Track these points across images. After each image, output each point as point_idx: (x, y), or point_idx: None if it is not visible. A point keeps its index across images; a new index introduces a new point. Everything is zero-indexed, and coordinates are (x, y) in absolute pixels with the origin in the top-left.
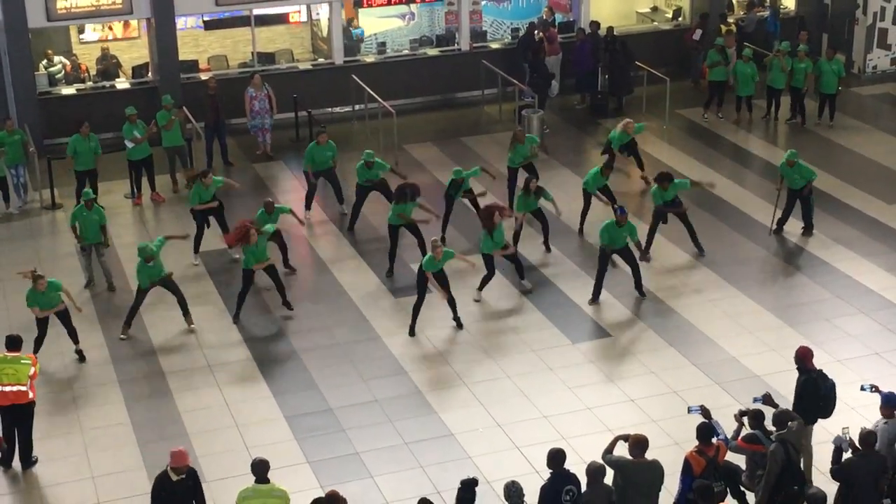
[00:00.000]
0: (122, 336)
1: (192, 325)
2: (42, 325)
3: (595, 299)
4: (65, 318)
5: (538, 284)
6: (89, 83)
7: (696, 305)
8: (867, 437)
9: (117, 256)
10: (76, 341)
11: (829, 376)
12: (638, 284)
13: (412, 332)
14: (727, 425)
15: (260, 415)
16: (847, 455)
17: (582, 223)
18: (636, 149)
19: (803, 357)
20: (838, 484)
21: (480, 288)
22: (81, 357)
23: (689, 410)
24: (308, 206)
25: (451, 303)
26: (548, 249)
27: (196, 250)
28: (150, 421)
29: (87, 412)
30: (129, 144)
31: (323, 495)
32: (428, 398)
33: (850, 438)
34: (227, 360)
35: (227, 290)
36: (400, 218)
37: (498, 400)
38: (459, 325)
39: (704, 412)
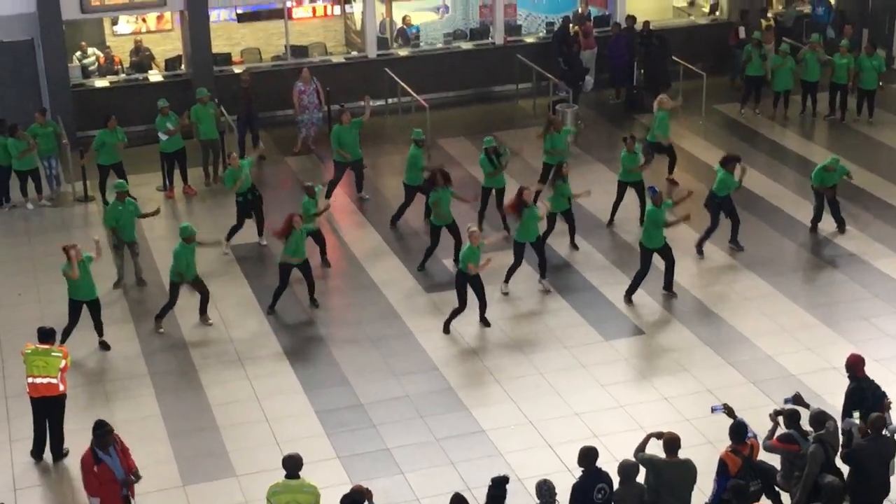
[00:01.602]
0: (159, 330)
1: (210, 321)
2: (74, 313)
3: (629, 297)
4: (95, 308)
5: (570, 280)
6: (122, 75)
7: (731, 303)
8: (876, 421)
9: (148, 249)
10: (101, 333)
11: (880, 386)
12: (669, 283)
13: (447, 330)
14: (762, 424)
15: (290, 409)
16: (857, 439)
17: (613, 216)
18: (672, 148)
19: (854, 365)
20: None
21: (507, 279)
22: (105, 346)
23: (713, 410)
24: (328, 195)
25: (483, 303)
26: (574, 248)
27: (228, 238)
28: (181, 414)
29: (118, 405)
30: (163, 137)
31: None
32: (459, 394)
33: (860, 424)
34: (258, 355)
35: (258, 282)
36: (437, 209)
37: (530, 397)
38: (486, 324)
39: (728, 411)
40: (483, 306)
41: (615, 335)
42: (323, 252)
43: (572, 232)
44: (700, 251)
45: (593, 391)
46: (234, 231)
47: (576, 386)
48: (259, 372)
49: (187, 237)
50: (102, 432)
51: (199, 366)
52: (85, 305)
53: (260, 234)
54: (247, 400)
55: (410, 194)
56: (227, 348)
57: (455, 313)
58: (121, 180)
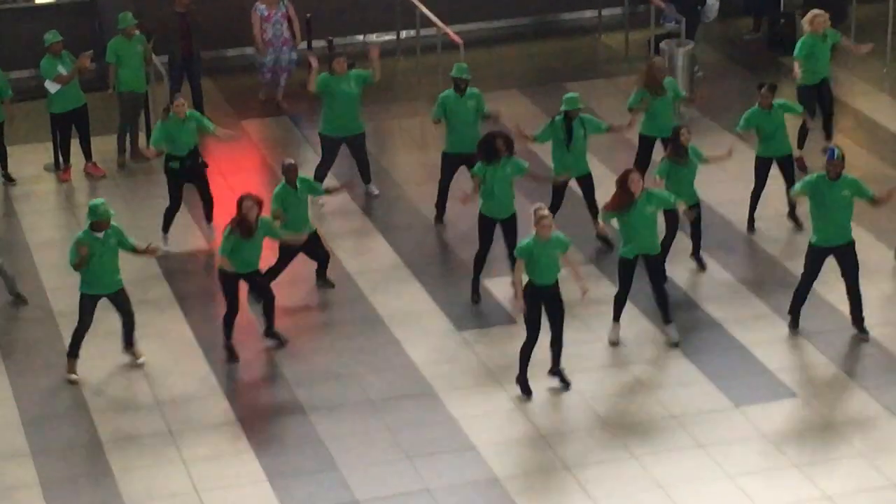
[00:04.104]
0: (70, 377)
1: (142, 359)
2: None
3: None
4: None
5: (685, 314)
6: None
7: None
8: None
9: (31, 261)
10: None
11: None
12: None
13: (525, 391)
14: None
15: None
16: None
17: (752, 215)
18: (829, 93)
19: None
20: None
21: (617, 316)
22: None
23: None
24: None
25: (557, 342)
26: (700, 266)
27: (166, 228)
28: None
29: None
30: (51, 88)
31: None
32: (508, 488)
33: None
34: (201, 423)
35: (204, 308)
36: (489, 194)
37: (619, 494)
38: (564, 384)
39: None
40: (558, 349)
41: (750, 398)
42: (323, 267)
43: (697, 239)
44: None
45: (717, 486)
46: (170, 217)
47: (689, 477)
48: (201, 452)
49: (98, 220)
50: None
51: (107, 441)
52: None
53: (208, 219)
54: (182, 494)
55: (451, 167)
56: (152, 415)
57: (525, 354)
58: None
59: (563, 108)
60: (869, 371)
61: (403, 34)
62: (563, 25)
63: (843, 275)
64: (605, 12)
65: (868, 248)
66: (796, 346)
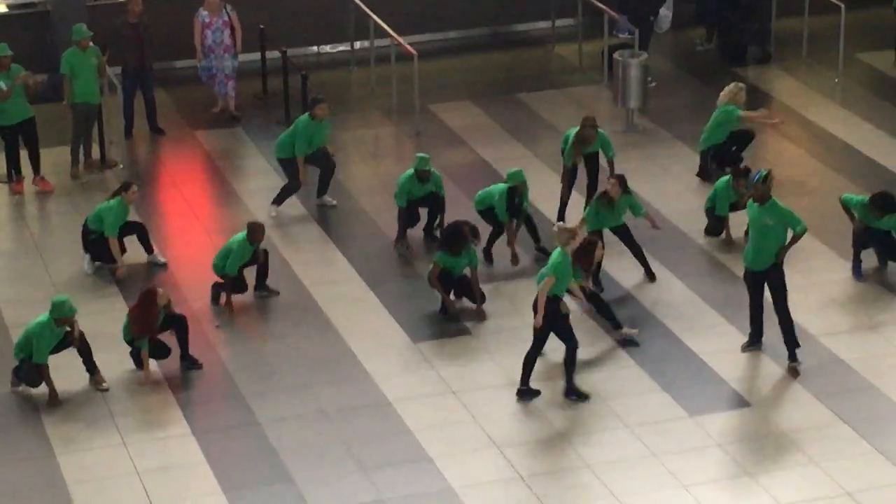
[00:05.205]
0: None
1: (104, 385)
2: None
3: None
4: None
5: (648, 332)
6: None
7: (887, 359)
8: None
9: None
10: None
11: None
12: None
13: (575, 391)
14: None
15: None
16: None
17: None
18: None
19: None
20: None
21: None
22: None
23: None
24: (280, 201)
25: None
26: (649, 278)
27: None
28: None
29: None
30: None
31: None
32: (464, 500)
33: None
34: (155, 434)
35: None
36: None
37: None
38: (580, 396)
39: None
40: (571, 368)
41: (704, 408)
42: (262, 276)
43: (643, 261)
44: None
45: (671, 496)
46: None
47: (642, 487)
48: (155, 463)
49: (61, 318)
50: None
51: (60, 453)
52: None
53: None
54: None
55: (410, 216)
56: (106, 425)
57: (529, 365)
58: None
59: (507, 182)
60: (821, 380)
61: (357, 45)
62: (517, 36)
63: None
64: (559, 23)
65: (817, 253)
66: (750, 356)
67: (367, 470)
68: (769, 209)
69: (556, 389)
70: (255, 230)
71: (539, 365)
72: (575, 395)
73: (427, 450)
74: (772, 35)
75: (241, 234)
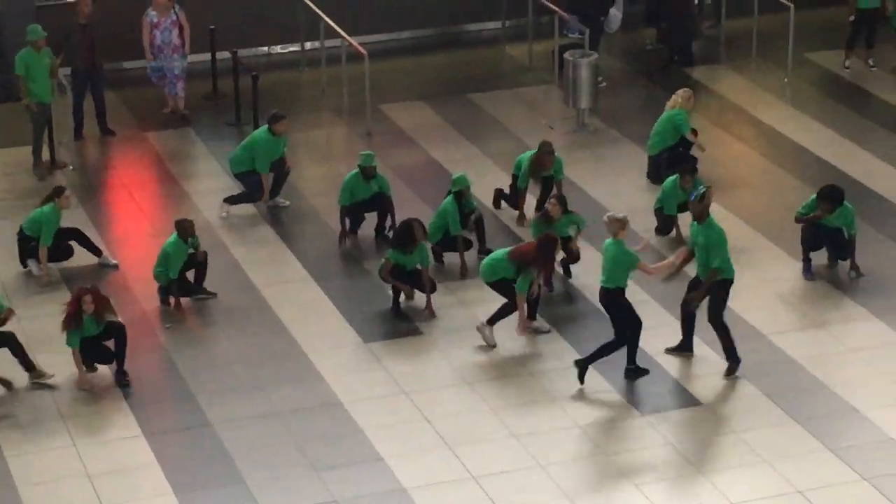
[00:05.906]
0: None
1: (48, 375)
2: None
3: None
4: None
5: (600, 332)
6: None
7: (835, 356)
8: None
9: None
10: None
11: None
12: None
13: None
14: None
15: None
16: None
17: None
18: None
19: None
20: None
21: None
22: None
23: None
24: (234, 202)
25: None
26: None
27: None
28: None
29: None
30: None
31: None
32: (416, 500)
33: None
34: (106, 436)
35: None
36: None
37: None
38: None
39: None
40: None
41: (655, 407)
42: (200, 279)
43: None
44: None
45: (623, 495)
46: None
47: (595, 486)
48: (105, 466)
49: None
50: None
51: (10, 456)
52: None
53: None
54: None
55: (354, 218)
56: (56, 428)
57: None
58: None
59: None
60: (771, 378)
61: (308, 45)
62: (468, 36)
63: None
64: (509, 23)
65: (767, 252)
66: (701, 356)
67: (319, 470)
68: (705, 229)
69: (507, 391)
70: (185, 226)
71: (491, 358)
72: (634, 372)
73: (379, 450)
74: (723, 37)
75: (173, 237)
